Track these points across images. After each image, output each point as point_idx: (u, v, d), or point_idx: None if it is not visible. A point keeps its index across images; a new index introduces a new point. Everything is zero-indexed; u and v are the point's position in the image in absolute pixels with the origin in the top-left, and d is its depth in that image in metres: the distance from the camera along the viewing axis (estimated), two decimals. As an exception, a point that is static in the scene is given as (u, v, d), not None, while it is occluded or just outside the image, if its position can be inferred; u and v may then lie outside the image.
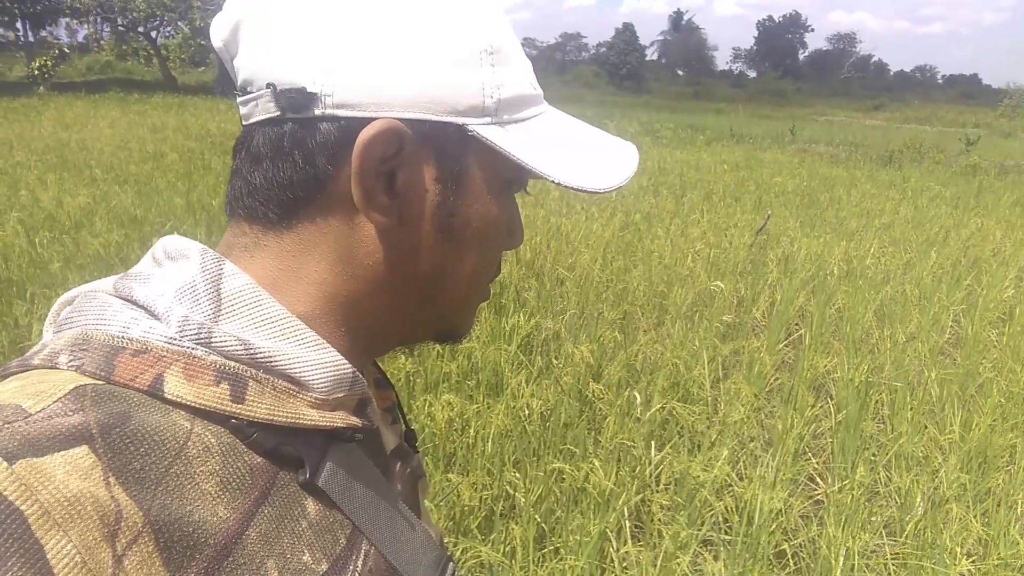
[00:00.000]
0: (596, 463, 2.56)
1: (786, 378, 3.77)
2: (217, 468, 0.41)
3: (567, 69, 60.16)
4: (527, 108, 0.50)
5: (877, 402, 3.53)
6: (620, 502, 2.39)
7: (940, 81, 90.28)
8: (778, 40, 79.19)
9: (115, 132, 11.59)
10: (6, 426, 0.35)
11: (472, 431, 2.84)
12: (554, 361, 3.58)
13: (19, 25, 28.61)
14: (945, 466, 2.91)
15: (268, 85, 0.45)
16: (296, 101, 0.44)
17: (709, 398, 3.32)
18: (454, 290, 0.52)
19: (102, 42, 27.82)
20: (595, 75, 55.76)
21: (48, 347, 0.41)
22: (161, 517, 0.37)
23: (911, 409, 3.41)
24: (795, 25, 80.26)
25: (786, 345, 4.18)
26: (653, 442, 2.86)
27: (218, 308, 0.44)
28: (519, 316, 3.90)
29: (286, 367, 0.44)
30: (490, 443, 2.76)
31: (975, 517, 2.59)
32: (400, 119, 0.45)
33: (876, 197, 9.68)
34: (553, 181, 0.48)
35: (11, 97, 18.25)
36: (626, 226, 6.61)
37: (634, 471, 2.69)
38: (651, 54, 73.14)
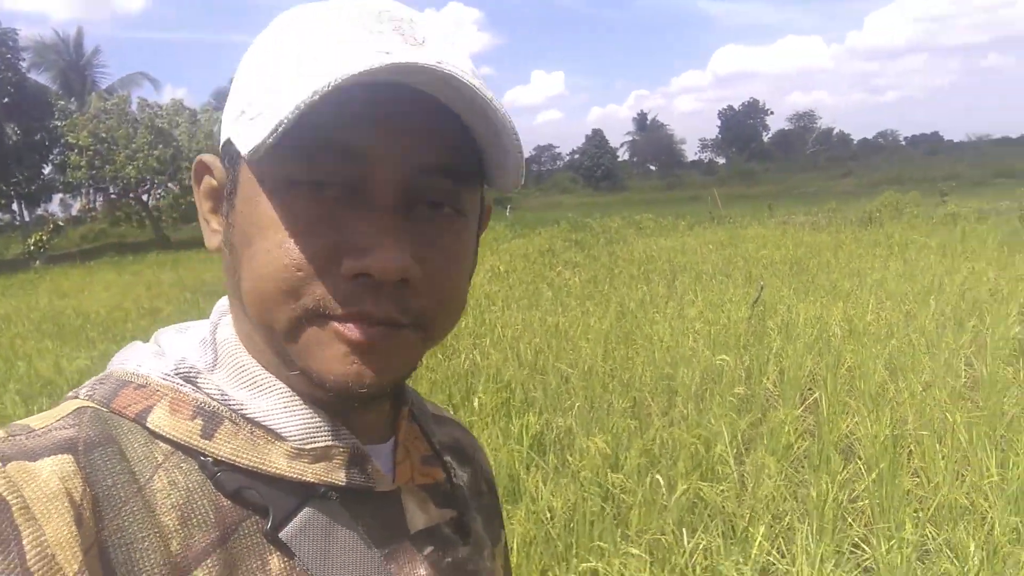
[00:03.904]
0: (631, 553, 2.43)
1: (810, 444, 3.65)
2: (180, 503, 0.42)
3: (544, 178, 62.37)
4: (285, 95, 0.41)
5: (908, 455, 3.41)
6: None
7: (903, 143, 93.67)
8: (741, 126, 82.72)
9: (111, 294, 11.78)
10: (10, 439, 0.40)
11: (494, 541, 2.71)
12: (569, 458, 3.46)
13: (15, 207, 29.73)
14: (993, 511, 2.77)
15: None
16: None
17: (735, 475, 3.20)
18: (251, 310, 0.45)
19: (94, 213, 28.83)
20: (571, 180, 57.74)
21: (85, 383, 0.47)
22: (113, 538, 0.39)
23: (943, 458, 3.29)
24: (755, 111, 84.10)
25: (804, 410, 4.08)
26: (684, 529, 2.72)
27: (215, 358, 0.48)
28: (528, 416, 3.82)
29: (256, 417, 0.45)
30: (515, 553, 2.62)
31: (1036, 562, 2.44)
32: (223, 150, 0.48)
33: (863, 256, 9.78)
34: (245, 152, 0.41)
35: (8, 274, 18.67)
36: (622, 316, 6.61)
37: (669, 564, 2.54)
38: (622, 154, 76.10)
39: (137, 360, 0.47)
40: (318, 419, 0.46)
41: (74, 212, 36.18)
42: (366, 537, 0.47)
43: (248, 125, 0.42)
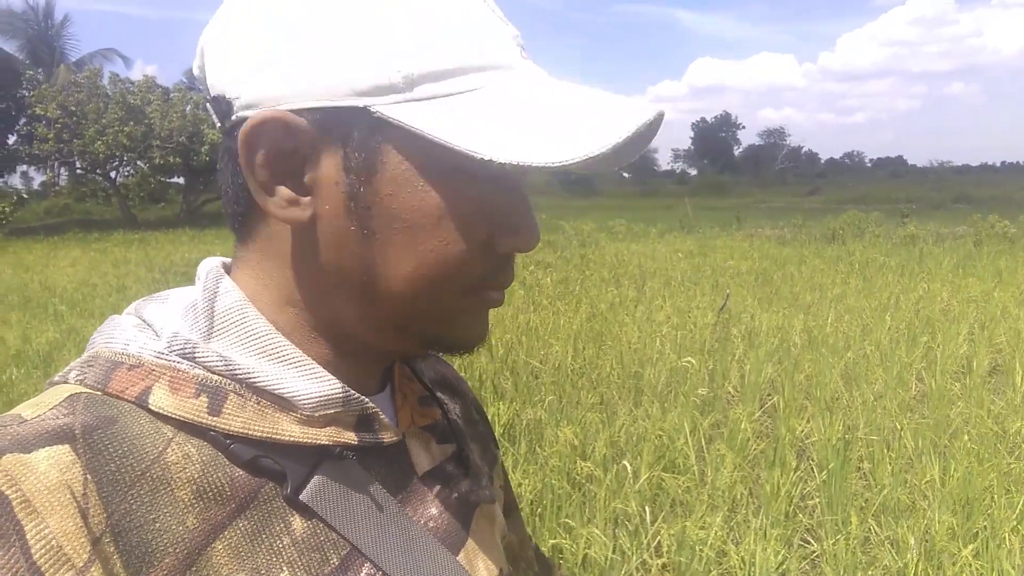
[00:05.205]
0: (595, 530, 2.57)
1: (766, 444, 3.83)
2: (195, 476, 0.41)
3: (518, 179, 62.40)
4: (459, 78, 0.43)
5: (857, 458, 3.61)
6: (622, 573, 2.38)
7: (869, 164, 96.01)
8: (713, 139, 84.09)
9: (77, 270, 11.57)
10: (2, 429, 0.39)
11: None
12: (538, 448, 3.60)
13: (-25, 176, 28.85)
14: (931, 510, 2.97)
15: (212, 97, 0.46)
16: (220, 108, 0.45)
17: (695, 468, 3.36)
18: (395, 293, 0.45)
19: (59, 186, 28.14)
20: (546, 183, 57.94)
21: (68, 366, 0.45)
22: (123, 522, 0.38)
23: (890, 462, 3.49)
24: (727, 124, 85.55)
25: (762, 413, 4.27)
26: (647, 506, 2.88)
27: (211, 326, 0.46)
28: (499, 405, 3.94)
29: (267, 386, 0.44)
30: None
31: (969, 556, 2.64)
32: (295, 110, 0.42)
33: (825, 271, 10.09)
34: (481, 158, 0.40)
35: (-33, 245, 18.16)
36: (593, 316, 6.76)
37: (632, 537, 2.69)
38: (597, 160, 76.39)
39: (124, 338, 0.45)
40: (332, 384, 0.46)
41: (35, 186, 35.22)
42: (381, 488, 0.48)
43: (431, 105, 0.42)
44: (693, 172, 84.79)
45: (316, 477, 0.45)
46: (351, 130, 0.43)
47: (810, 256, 12.21)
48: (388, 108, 0.42)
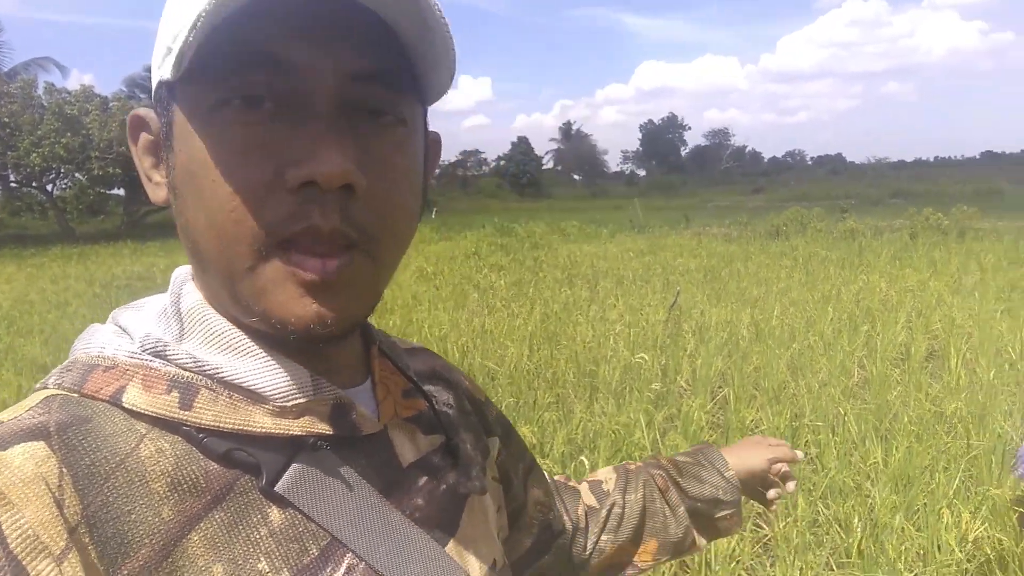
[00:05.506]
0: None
1: (718, 435, 3.94)
2: (169, 469, 0.42)
3: (470, 183, 62.56)
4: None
5: (804, 443, 3.73)
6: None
7: (810, 163, 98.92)
8: (661, 140, 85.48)
9: (13, 287, 11.13)
10: None
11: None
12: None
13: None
14: (875, 490, 3.10)
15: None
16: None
17: (651, 461, 3.43)
18: (207, 257, 0.44)
19: (-9, 201, 26.99)
20: (497, 186, 58.13)
21: (49, 373, 0.46)
22: (99, 514, 0.38)
23: (835, 446, 3.63)
24: (673, 126, 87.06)
25: (713, 405, 4.38)
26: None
27: (181, 328, 0.47)
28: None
29: (236, 380, 0.45)
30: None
31: (912, 529, 2.76)
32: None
33: (771, 267, 10.38)
34: (168, 48, 0.41)
35: None
36: (547, 317, 6.82)
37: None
38: (547, 162, 77.25)
39: (100, 342, 0.46)
40: (298, 374, 0.46)
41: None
42: (360, 479, 0.48)
43: (173, 58, 0.41)
44: (642, 173, 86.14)
45: (292, 468, 0.45)
46: (158, 103, 0.46)
47: (756, 252, 12.54)
48: (162, 72, 0.43)
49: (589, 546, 0.79)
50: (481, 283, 9.42)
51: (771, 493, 0.87)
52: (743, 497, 0.86)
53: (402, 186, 0.45)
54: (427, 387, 0.60)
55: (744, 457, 0.87)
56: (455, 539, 0.53)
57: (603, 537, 0.79)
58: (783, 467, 0.87)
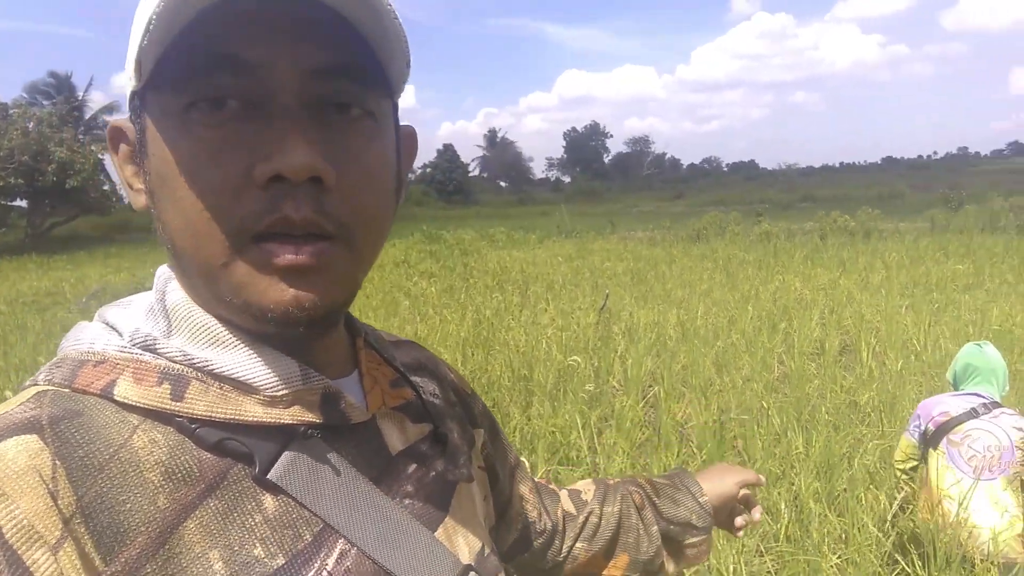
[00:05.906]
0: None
1: (651, 432, 4.05)
2: (163, 459, 0.42)
3: (396, 191, 61.77)
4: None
5: (732, 437, 3.89)
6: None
7: (725, 169, 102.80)
8: (584, 148, 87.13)
9: (-99, 306, 10.32)
10: None
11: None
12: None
13: None
14: (799, 477, 3.26)
15: None
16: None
17: (588, 459, 3.50)
18: (185, 254, 0.45)
19: None
20: (424, 193, 57.78)
21: (40, 370, 0.47)
22: (94, 504, 0.39)
23: (760, 438, 3.79)
24: (596, 133, 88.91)
25: (645, 403, 4.50)
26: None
27: (169, 324, 0.47)
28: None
29: (226, 372, 0.45)
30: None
31: (834, 515, 2.92)
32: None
33: (693, 269, 10.74)
34: (141, 44, 0.40)
35: None
36: (479, 323, 6.84)
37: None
38: (473, 169, 77.44)
39: (89, 338, 0.47)
40: (287, 365, 0.47)
41: None
42: (351, 467, 0.49)
43: (134, 64, 0.42)
44: (567, 179, 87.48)
45: (284, 456, 0.45)
46: (132, 112, 0.47)
47: (679, 255, 12.94)
48: (132, 81, 0.44)
49: (564, 550, 0.80)
50: (412, 290, 9.36)
51: (738, 521, 0.89)
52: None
53: (375, 177, 0.46)
54: (413, 378, 0.61)
55: (716, 483, 0.88)
56: (444, 525, 0.55)
57: (578, 544, 0.81)
58: (745, 492, 0.90)
